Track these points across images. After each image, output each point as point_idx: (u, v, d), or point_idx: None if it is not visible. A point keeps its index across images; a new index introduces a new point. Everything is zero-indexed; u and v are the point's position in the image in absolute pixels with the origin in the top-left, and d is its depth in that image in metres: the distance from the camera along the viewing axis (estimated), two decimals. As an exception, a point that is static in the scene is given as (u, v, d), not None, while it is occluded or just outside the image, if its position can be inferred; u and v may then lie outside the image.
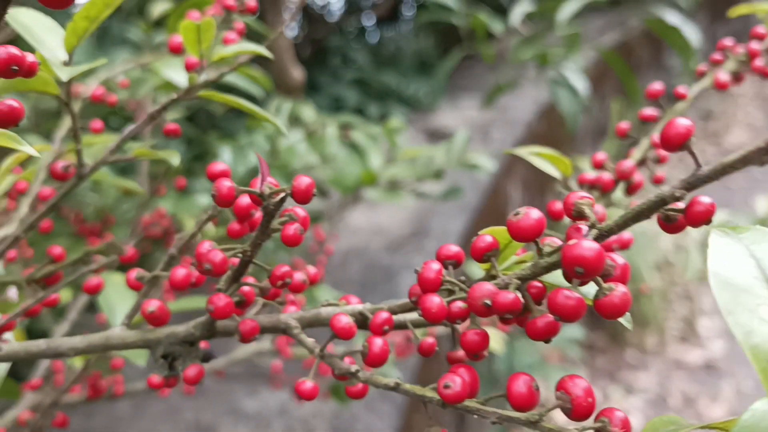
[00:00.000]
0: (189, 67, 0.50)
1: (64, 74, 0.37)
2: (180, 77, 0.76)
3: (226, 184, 0.34)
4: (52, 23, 0.47)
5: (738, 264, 0.27)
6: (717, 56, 0.66)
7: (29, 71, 0.33)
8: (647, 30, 4.26)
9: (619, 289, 0.29)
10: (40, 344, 0.44)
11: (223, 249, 0.36)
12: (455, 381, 0.31)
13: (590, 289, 0.31)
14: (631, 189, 0.52)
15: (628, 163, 0.51)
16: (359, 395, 0.37)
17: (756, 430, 0.26)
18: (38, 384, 0.75)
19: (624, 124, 0.57)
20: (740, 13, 0.85)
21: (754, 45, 0.66)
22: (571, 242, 0.28)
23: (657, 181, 0.55)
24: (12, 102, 0.35)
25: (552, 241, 0.32)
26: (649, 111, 0.58)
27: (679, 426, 0.29)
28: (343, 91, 4.04)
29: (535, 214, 0.30)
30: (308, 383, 0.37)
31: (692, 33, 1.63)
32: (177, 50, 0.54)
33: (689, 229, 0.30)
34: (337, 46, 4.47)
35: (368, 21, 5.20)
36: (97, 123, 0.71)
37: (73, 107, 0.45)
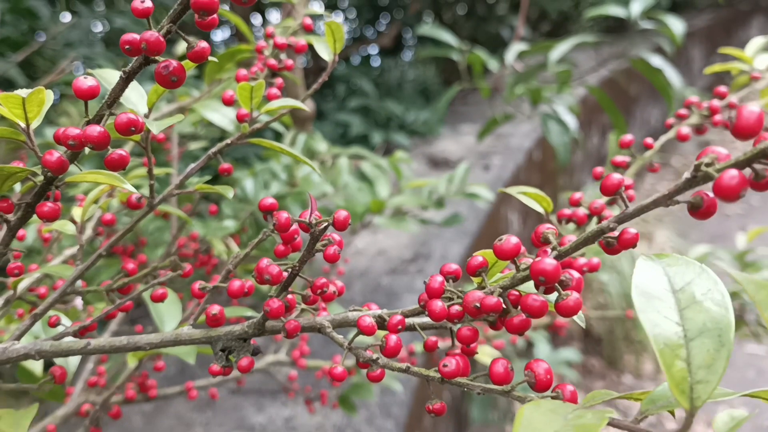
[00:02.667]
0: (240, 118, 0.62)
1: (155, 128, 0.48)
2: (218, 119, 0.87)
3: (284, 215, 0.45)
4: (133, 82, 0.58)
5: (654, 279, 0.38)
6: (683, 111, 0.77)
7: (140, 130, 0.44)
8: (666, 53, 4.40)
9: (574, 295, 0.41)
10: (122, 340, 0.55)
11: (279, 264, 0.47)
12: (451, 362, 0.42)
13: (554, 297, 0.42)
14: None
15: (600, 201, 0.63)
16: (377, 379, 0.48)
17: (662, 398, 0.37)
18: (95, 382, 0.86)
19: (619, 158, 0.69)
20: (713, 71, 0.98)
21: (716, 102, 0.78)
22: (536, 259, 0.39)
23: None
24: (121, 152, 0.46)
25: (527, 261, 0.43)
26: (621, 158, 0.70)
27: (611, 395, 0.40)
28: (348, 118, 4.15)
29: (513, 240, 0.42)
30: (339, 368, 0.48)
31: (674, 75, 1.76)
32: (229, 102, 0.65)
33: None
34: (342, 75, 4.60)
35: (372, 51, 5.35)
36: (146, 160, 0.83)
37: (150, 151, 0.57)
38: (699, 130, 0.75)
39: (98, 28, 3.40)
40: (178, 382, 2.10)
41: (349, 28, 5.46)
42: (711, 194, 0.35)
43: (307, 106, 2.51)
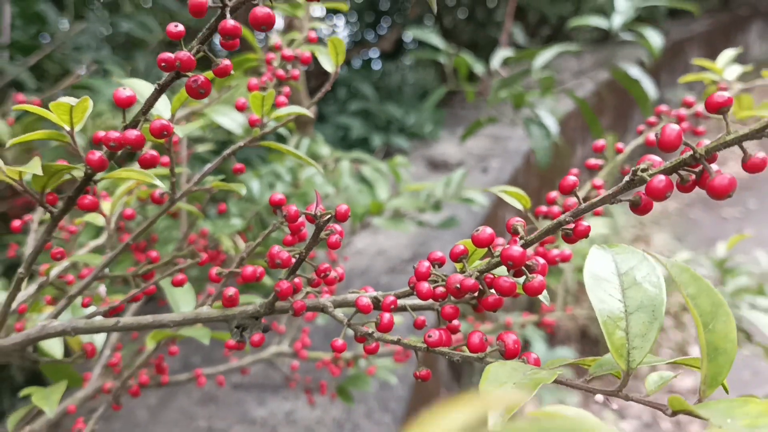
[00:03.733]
0: (252, 123, 0.69)
1: (180, 132, 0.56)
2: (227, 123, 0.95)
3: (293, 208, 0.53)
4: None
5: (604, 265, 0.45)
6: (653, 119, 0.85)
7: (170, 134, 0.52)
8: (644, 64, 4.49)
9: (538, 278, 0.48)
10: (147, 318, 0.62)
11: (289, 251, 0.55)
12: (435, 333, 0.50)
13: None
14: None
15: (573, 199, 0.70)
16: (373, 351, 0.55)
17: (607, 363, 0.45)
18: (116, 362, 0.94)
19: (592, 161, 0.77)
20: (687, 80, 1.05)
21: (683, 111, 0.86)
22: (506, 246, 0.47)
23: (596, 213, 0.74)
24: (153, 152, 0.54)
25: (500, 248, 0.51)
26: (594, 161, 0.77)
27: (566, 361, 0.48)
28: (348, 121, 4.21)
29: (488, 230, 0.49)
30: (339, 341, 0.56)
31: (649, 85, 1.85)
32: (242, 109, 0.73)
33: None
34: (343, 78, 4.66)
35: (373, 54, 5.42)
36: (166, 158, 0.90)
37: (173, 152, 0.64)
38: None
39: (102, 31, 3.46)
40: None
41: (350, 32, 5.54)
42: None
43: (311, 110, 2.58)
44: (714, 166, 0.39)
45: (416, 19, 5.60)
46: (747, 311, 0.65)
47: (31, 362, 0.69)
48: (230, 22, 0.44)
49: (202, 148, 1.58)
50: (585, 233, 0.47)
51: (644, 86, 1.83)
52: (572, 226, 0.47)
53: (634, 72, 1.90)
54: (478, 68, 2.13)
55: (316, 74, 4.61)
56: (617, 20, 2.05)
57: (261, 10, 0.43)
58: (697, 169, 0.40)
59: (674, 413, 0.38)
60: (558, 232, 0.48)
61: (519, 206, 0.69)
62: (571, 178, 0.47)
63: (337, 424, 2.11)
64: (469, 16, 6.00)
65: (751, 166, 0.38)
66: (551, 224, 0.47)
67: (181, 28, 0.47)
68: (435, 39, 2.32)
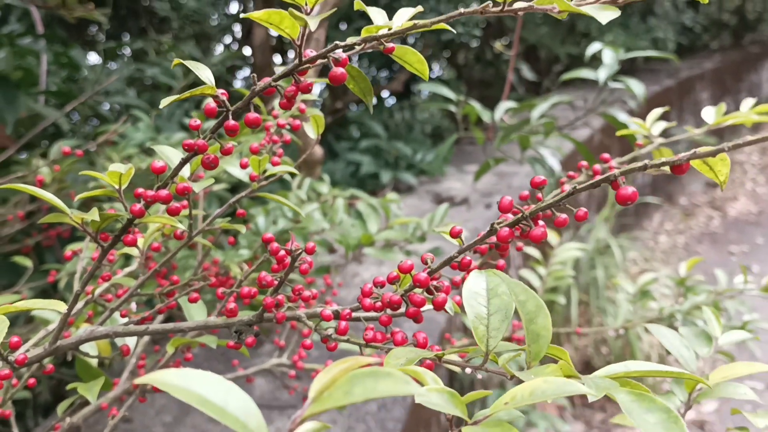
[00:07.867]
0: (252, 178, 0.92)
1: (197, 188, 0.78)
2: (236, 171, 1.18)
3: (275, 245, 0.75)
4: (180, 154, 0.88)
5: (478, 283, 0.66)
6: (573, 173, 1.07)
7: (190, 192, 0.74)
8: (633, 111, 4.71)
9: (441, 295, 0.69)
10: (170, 325, 0.84)
11: (272, 276, 0.77)
12: (370, 332, 0.71)
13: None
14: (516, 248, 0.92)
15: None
16: (333, 349, 0.76)
17: (479, 351, 0.66)
18: (143, 365, 1.16)
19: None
20: (622, 134, 1.27)
21: (597, 166, 1.07)
22: (415, 274, 0.68)
23: (540, 236, 0.95)
24: (177, 204, 0.76)
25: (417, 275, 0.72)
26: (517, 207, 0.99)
27: (457, 350, 0.69)
28: (359, 157, 4.43)
29: (409, 261, 0.71)
30: (308, 340, 0.77)
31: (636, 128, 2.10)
32: (245, 166, 0.95)
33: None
34: (356, 117, 4.92)
35: (384, 93, 5.66)
36: (180, 203, 1.13)
37: (191, 200, 0.87)
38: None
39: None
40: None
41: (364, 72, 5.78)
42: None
43: (318, 151, 2.81)
44: (541, 222, 0.61)
45: (428, 57, 5.87)
46: (653, 326, 0.85)
47: (83, 356, 0.91)
48: (231, 122, 0.66)
49: (217, 187, 1.82)
50: (467, 265, 0.68)
51: (632, 129, 2.08)
52: (459, 259, 0.69)
53: (622, 116, 2.15)
54: (486, 116, 2.39)
55: (330, 111, 4.88)
56: (603, 74, 2.30)
57: (252, 115, 0.66)
58: (530, 224, 0.62)
59: (511, 377, 0.59)
60: (451, 262, 0.69)
61: (456, 243, 0.90)
62: (457, 228, 0.69)
63: (337, 441, 2.28)
64: (478, 56, 6.26)
65: (557, 223, 0.60)
66: (448, 258, 0.68)
67: (199, 122, 0.70)
68: (445, 90, 2.58)
